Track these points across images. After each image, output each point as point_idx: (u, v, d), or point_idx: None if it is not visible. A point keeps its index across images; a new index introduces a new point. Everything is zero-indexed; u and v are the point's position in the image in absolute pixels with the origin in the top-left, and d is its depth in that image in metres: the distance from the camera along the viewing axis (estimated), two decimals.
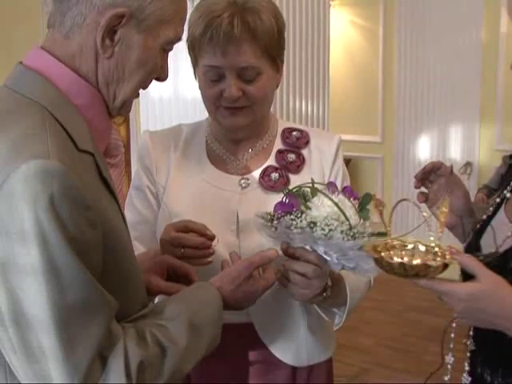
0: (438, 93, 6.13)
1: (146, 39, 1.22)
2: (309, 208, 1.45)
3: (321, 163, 1.74)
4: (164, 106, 3.87)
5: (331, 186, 1.54)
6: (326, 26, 3.59)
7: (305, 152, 1.75)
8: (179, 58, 3.96)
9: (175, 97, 3.81)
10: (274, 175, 1.70)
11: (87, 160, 1.17)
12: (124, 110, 1.30)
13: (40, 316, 1.02)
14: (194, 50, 1.65)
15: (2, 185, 1.02)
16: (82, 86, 1.22)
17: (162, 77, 1.31)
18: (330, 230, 1.39)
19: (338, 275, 1.60)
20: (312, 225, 1.41)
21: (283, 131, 1.78)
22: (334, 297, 1.59)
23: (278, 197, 1.56)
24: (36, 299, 1.02)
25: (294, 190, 1.51)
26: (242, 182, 1.72)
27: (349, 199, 1.49)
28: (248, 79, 1.62)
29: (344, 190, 1.53)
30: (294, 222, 1.42)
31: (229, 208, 1.67)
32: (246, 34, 1.57)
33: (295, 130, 1.79)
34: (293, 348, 1.70)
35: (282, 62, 1.72)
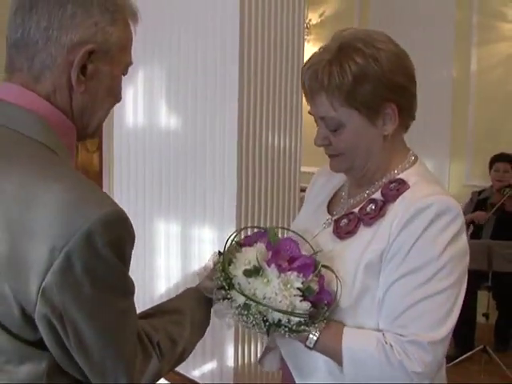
0: (409, 128, 6.17)
1: (112, 68, 1.30)
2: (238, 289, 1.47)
3: (392, 222, 1.52)
4: (138, 135, 3.88)
5: (275, 257, 1.50)
6: (300, 60, 3.63)
7: (390, 206, 1.55)
8: (154, 90, 3.99)
9: (149, 126, 3.82)
10: (344, 222, 1.61)
11: None
12: (96, 134, 1.38)
13: (93, 342, 1.18)
14: None
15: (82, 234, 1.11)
16: (66, 124, 1.28)
17: (120, 99, 1.39)
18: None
19: (334, 334, 1.52)
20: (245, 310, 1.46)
21: (389, 181, 1.61)
22: (324, 353, 1.55)
23: (343, 244, 1.59)
24: (89, 332, 1.17)
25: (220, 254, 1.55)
26: (326, 221, 1.69)
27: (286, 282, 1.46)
28: (331, 129, 1.58)
29: (294, 264, 1.48)
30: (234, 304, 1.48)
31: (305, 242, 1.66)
32: (318, 85, 1.54)
33: (398, 180, 1.60)
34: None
35: (378, 112, 1.56)
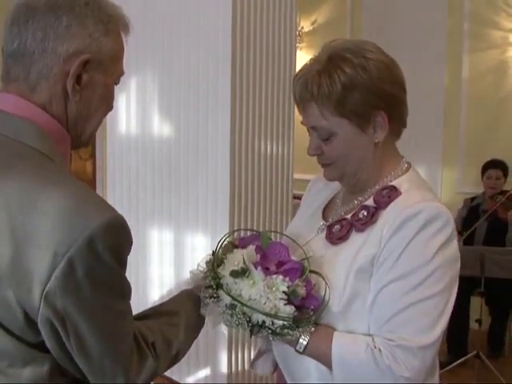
0: (401, 136, 6.19)
1: (106, 78, 1.34)
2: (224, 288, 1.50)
3: (383, 228, 1.54)
4: (131, 143, 3.89)
5: (265, 260, 1.52)
6: (293, 68, 3.65)
7: (382, 212, 1.57)
8: (147, 98, 4.00)
9: (142, 134, 3.83)
10: (336, 227, 1.63)
11: None
12: (89, 143, 1.41)
13: (93, 343, 1.22)
14: None
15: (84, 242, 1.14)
16: (61, 132, 1.31)
17: (112, 108, 1.43)
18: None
19: (323, 339, 1.53)
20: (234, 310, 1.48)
21: (381, 188, 1.63)
22: (314, 357, 1.56)
23: (335, 249, 1.60)
24: (89, 333, 1.21)
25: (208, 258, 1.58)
26: (320, 227, 1.72)
27: (274, 284, 1.49)
28: (323, 138, 1.60)
29: (282, 268, 1.51)
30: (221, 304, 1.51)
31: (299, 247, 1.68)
32: (308, 95, 1.57)
33: (390, 187, 1.61)
34: None
35: (368, 120, 1.58)
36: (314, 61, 1.61)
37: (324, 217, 1.75)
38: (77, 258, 1.13)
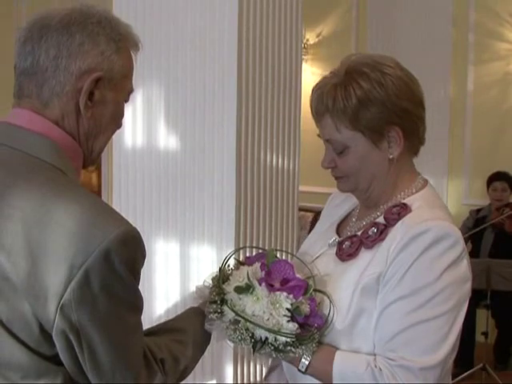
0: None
1: (116, 95, 1.36)
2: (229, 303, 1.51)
3: (390, 245, 1.52)
4: (137, 155, 3.89)
5: (268, 278, 1.53)
6: (298, 79, 3.65)
7: (391, 229, 1.55)
8: (153, 110, 4.01)
9: (148, 147, 3.83)
10: (347, 244, 1.62)
11: None
12: (97, 160, 1.44)
13: (105, 356, 1.22)
14: None
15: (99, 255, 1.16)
16: (75, 148, 1.34)
17: (120, 125, 1.45)
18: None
19: (325, 358, 1.53)
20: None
21: (392, 205, 1.61)
22: (316, 377, 1.56)
23: (343, 267, 1.59)
24: (102, 346, 1.21)
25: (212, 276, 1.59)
26: (332, 241, 1.70)
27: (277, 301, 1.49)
28: (337, 152, 1.60)
29: (286, 285, 1.51)
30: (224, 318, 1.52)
31: (309, 260, 1.69)
32: (324, 108, 1.57)
33: (401, 205, 1.59)
34: None
35: (382, 135, 1.57)
36: (332, 74, 1.61)
37: (338, 231, 1.75)
38: (93, 270, 1.15)
